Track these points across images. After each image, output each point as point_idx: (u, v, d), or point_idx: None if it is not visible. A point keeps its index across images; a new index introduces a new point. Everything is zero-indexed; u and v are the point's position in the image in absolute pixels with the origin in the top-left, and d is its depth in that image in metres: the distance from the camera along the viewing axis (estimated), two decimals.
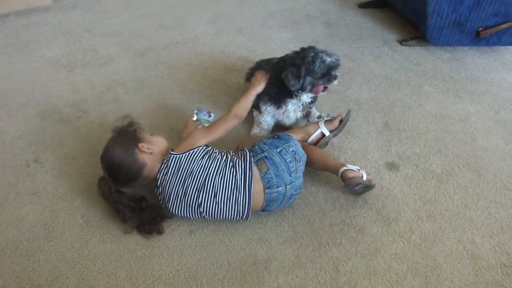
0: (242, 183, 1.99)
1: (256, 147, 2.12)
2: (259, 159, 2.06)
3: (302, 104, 2.43)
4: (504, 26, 3.27)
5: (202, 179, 1.99)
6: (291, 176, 2.03)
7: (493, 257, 2.02)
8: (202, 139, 2.11)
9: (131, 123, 2.17)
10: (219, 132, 2.21)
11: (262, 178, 2.02)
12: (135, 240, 2.02)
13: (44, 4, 3.88)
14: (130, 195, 2.11)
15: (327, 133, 2.44)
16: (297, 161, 2.07)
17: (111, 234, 2.05)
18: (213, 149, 2.11)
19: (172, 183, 2.01)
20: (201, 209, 2.01)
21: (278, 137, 2.16)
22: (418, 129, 2.68)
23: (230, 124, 2.23)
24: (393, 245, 2.05)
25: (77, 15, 3.77)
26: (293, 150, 2.09)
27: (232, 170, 2.02)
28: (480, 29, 3.28)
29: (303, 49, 2.30)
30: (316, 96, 2.45)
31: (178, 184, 2.01)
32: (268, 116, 2.51)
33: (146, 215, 2.09)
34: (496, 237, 2.10)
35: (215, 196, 1.99)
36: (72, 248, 1.99)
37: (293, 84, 2.26)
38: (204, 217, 2.05)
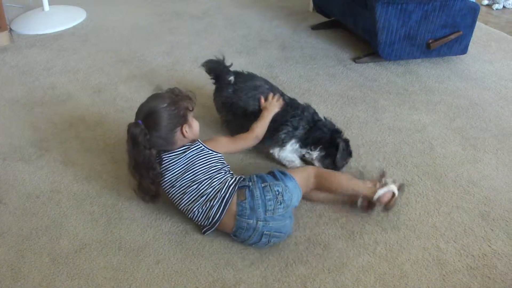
0: (221, 199, 2.06)
1: (253, 175, 2.14)
2: (241, 186, 2.08)
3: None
4: (453, 36, 3.39)
5: (200, 179, 2.10)
6: (265, 214, 2.01)
7: (458, 260, 2.06)
8: (224, 148, 2.26)
9: (188, 97, 2.22)
10: (239, 148, 2.41)
11: (237, 204, 2.03)
12: (102, 274, 2.00)
13: (1, 44, 3.87)
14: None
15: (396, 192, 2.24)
16: (278, 202, 2.03)
17: (78, 270, 2.03)
18: (227, 168, 2.22)
19: (180, 163, 2.13)
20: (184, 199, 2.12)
21: (274, 174, 2.14)
22: (376, 143, 2.74)
23: (249, 143, 2.40)
24: (359, 258, 2.07)
25: (34, 54, 3.77)
26: (277, 190, 2.05)
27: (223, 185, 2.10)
28: (430, 41, 3.38)
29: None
30: None
31: (183, 167, 2.13)
32: (293, 153, 2.54)
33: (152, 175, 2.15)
34: (460, 240, 2.15)
35: (201, 195, 2.09)
36: (40, 287, 1.97)
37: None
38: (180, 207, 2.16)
